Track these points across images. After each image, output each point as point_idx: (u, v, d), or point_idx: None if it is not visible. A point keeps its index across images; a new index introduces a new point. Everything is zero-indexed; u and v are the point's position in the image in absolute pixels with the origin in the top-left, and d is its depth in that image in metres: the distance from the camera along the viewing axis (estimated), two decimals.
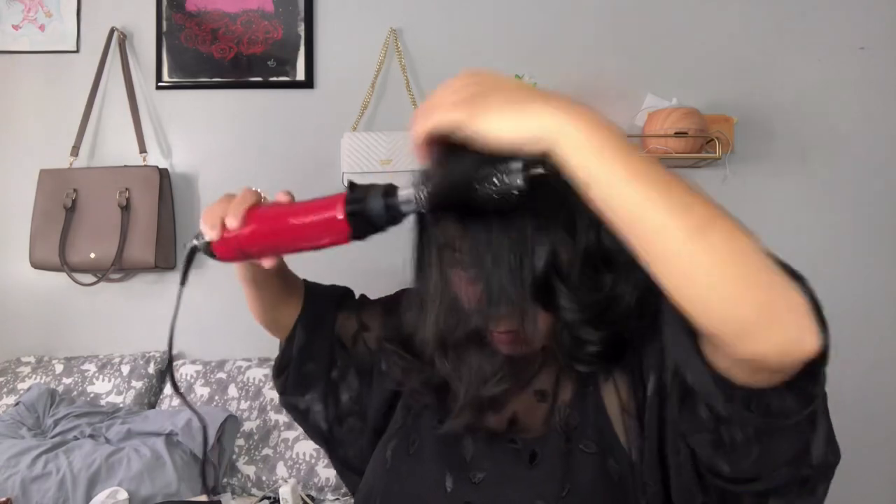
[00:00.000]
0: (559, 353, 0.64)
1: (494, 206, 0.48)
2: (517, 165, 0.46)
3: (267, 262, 0.60)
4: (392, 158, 1.81)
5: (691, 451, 0.54)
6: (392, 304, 0.80)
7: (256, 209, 0.58)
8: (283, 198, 0.59)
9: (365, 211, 0.53)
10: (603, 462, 0.60)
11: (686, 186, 0.45)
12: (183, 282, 0.62)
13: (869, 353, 1.84)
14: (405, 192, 0.51)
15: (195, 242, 0.60)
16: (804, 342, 0.43)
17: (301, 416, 0.82)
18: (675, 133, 1.75)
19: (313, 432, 0.83)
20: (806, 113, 1.90)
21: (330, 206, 0.54)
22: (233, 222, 0.57)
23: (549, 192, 0.59)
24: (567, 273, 0.59)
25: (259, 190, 0.61)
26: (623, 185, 0.44)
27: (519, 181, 0.46)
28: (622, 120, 1.90)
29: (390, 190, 0.53)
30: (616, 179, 0.44)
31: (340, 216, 0.53)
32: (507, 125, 0.45)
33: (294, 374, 0.79)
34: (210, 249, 0.60)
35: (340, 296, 0.84)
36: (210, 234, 0.58)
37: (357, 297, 0.87)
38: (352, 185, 0.55)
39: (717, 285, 0.43)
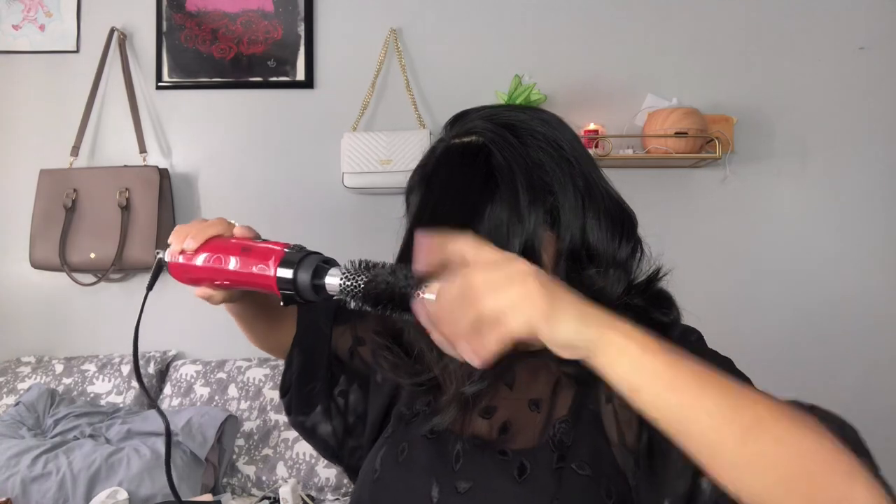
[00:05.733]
0: (549, 355, 0.63)
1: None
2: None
3: (199, 292, 0.63)
4: (392, 158, 1.81)
5: None
6: None
7: (216, 240, 0.61)
8: (242, 233, 0.62)
9: (295, 281, 0.56)
10: (597, 485, 0.58)
11: (731, 386, 0.44)
12: (150, 287, 0.65)
13: (869, 352, 1.84)
14: (332, 281, 0.54)
15: (160, 255, 0.64)
16: None
17: (308, 433, 0.82)
18: (675, 133, 1.75)
19: (322, 448, 0.83)
20: (806, 113, 1.90)
21: (266, 257, 0.58)
22: (190, 244, 0.60)
23: (536, 185, 0.58)
24: (552, 270, 0.59)
25: (234, 223, 0.64)
26: (667, 392, 0.44)
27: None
28: (622, 120, 1.90)
29: (321, 267, 0.56)
30: (659, 389, 0.44)
31: (271, 274, 0.57)
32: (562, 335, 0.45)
33: (297, 395, 0.80)
34: (167, 268, 0.65)
35: (335, 309, 0.83)
36: (168, 255, 0.63)
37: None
38: (297, 249, 0.58)
39: (770, 487, 0.42)
